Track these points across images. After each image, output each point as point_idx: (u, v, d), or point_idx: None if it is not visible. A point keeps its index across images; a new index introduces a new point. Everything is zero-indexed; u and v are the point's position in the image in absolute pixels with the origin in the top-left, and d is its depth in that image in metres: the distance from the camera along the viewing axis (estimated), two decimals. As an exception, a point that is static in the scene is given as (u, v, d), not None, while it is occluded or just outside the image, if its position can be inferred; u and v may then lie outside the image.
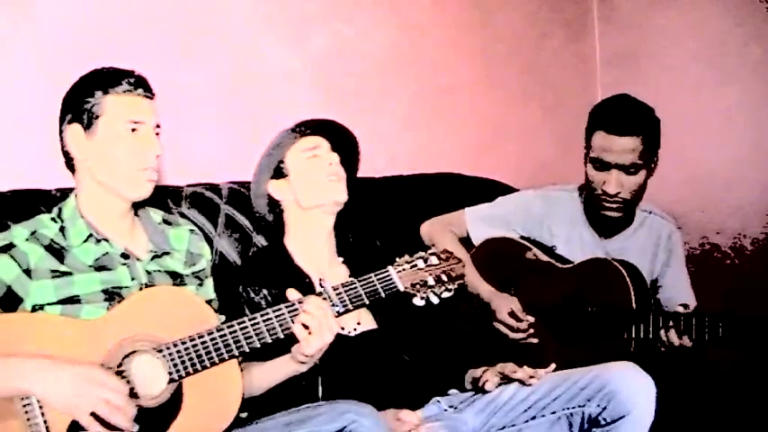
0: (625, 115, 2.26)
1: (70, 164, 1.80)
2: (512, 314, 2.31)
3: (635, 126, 2.24)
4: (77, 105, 1.75)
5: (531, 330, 2.32)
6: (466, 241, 2.52)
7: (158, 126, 1.80)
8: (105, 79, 1.75)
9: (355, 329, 2.02)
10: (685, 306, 2.23)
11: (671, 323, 2.14)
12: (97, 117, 1.73)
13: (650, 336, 2.18)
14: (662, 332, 2.15)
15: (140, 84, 1.77)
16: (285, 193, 2.10)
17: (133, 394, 1.61)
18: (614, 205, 2.30)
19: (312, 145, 2.09)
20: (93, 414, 1.54)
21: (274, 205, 2.13)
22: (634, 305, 2.22)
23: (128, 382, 1.60)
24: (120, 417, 1.55)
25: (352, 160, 2.19)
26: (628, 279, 2.24)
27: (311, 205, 2.08)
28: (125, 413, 1.56)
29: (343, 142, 2.14)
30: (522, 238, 2.47)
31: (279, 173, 2.10)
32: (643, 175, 2.29)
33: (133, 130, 1.74)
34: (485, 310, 2.37)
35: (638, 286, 2.26)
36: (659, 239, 2.45)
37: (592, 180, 2.31)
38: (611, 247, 2.42)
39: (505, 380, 1.99)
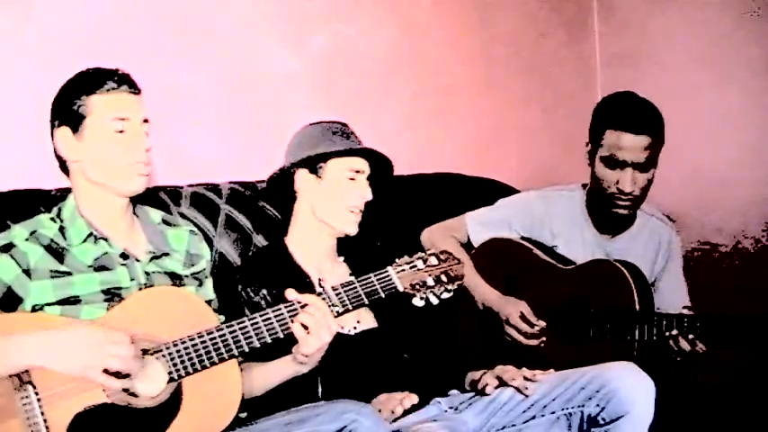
0: (638, 113, 2.25)
1: (64, 167, 1.81)
2: (523, 317, 2.30)
3: (648, 124, 2.24)
4: (65, 109, 1.76)
5: (543, 338, 2.30)
6: (467, 247, 2.50)
7: (146, 121, 1.80)
8: (90, 81, 1.76)
9: (355, 328, 2.02)
10: (688, 309, 2.23)
11: (678, 329, 2.14)
12: (84, 118, 1.74)
13: (654, 338, 2.18)
14: (680, 341, 2.15)
15: (124, 81, 1.77)
16: (308, 191, 2.10)
17: (132, 394, 1.61)
18: (627, 203, 2.29)
19: (358, 168, 2.09)
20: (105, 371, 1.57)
21: (290, 193, 2.13)
22: (637, 307, 2.21)
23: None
24: (130, 363, 1.58)
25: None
26: (631, 280, 2.24)
27: (323, 220, 2.09)
28: (134, 357, 1.58)
29: (380, 177, 2.15)
30: (523, 238, 2.46)
31: (315, 169, 2.09)
32: (653, 172, 2.28)
33: (121, 131, 1.74)
34: (486, 311, 2.37)
35: (641, 288, 2.25)
36: (659, 244, 2.44)
37: (602, 178, 2.29)
38: (613, 247, 2.42)
39: (504, 384, 1.98)
